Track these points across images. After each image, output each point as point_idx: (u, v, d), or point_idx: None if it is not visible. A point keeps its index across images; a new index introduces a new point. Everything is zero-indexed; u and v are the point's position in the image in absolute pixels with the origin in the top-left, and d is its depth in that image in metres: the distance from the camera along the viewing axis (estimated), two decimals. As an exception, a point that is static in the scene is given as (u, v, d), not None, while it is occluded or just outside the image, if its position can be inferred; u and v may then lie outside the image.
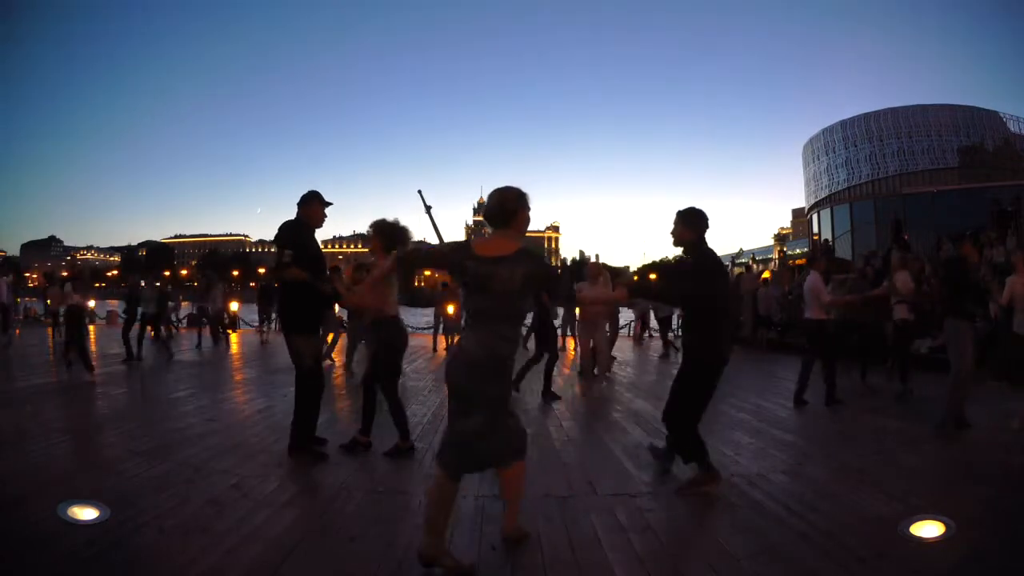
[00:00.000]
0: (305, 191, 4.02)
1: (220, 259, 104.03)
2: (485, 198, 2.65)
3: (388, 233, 3.90)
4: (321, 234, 4.26)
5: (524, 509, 2.96)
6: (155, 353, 9.46)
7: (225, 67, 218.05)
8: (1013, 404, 5.09)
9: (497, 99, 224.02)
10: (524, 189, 2.53)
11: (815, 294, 5.76)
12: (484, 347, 2.33)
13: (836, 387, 5.80)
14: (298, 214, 3.97)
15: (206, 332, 11.94)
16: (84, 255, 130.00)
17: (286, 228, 3.87)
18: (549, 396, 6.02)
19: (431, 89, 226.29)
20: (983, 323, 7.34)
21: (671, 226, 3.41)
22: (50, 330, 11.42)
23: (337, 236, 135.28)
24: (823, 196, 39.51)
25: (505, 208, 2.48)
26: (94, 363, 7.46)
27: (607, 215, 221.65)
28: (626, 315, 13.62)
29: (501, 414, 2.40)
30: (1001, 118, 38.31)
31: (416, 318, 17.79)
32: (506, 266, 2.35)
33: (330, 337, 8.85)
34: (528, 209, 2.53)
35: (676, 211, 3.41)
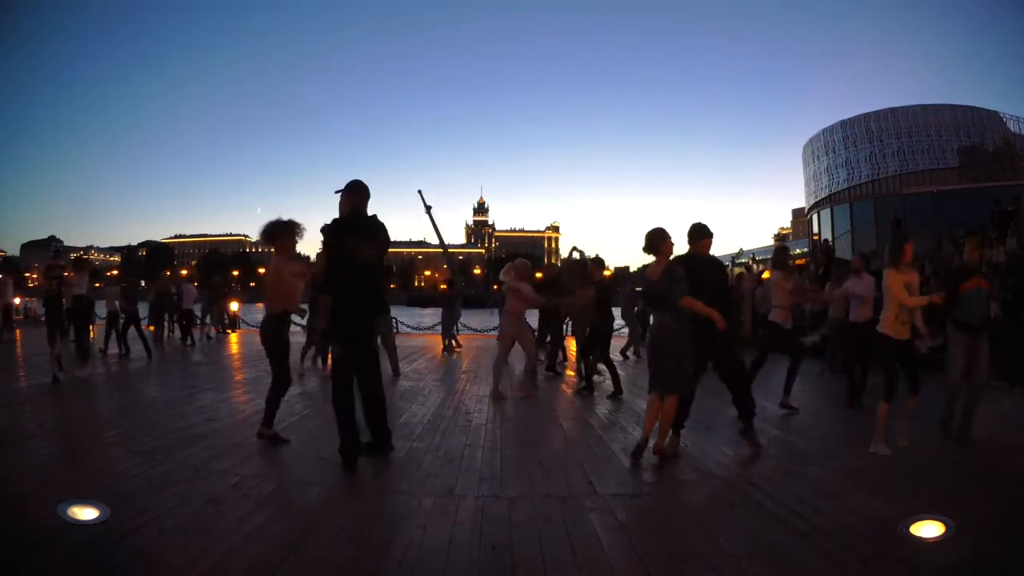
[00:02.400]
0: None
1: (220, 259, 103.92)
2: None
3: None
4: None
5: (527, 508, 2.98)
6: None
7: (225, 67, 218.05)
8: (1013, 404, 5.08)
9: (497, 99, 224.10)
10: (665, 227, 3.95)
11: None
12: (668, 324, 3.86)
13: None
14: (359, 205, 3.71)
15: (196, 331, 11.94)
16: (84, 255, 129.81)
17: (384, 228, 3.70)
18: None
19: (431, 89, 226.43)
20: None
21: (697, 237, 4.23)
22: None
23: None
24: (823, 196, 39.48)
25: (652, 242, 3.92)
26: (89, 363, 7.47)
27: (607, 215, 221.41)
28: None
29: (680, 362, 3.83)
30: (1001, 118, 38.20)
31: (417, 318, 17.81)
32: (660, 283, 3.85)
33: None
34: (669, 240, 3.93)
35: (697, 224, 4.26)
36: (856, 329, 5.76)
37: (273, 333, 4.17)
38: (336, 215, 3.80)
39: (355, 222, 3.68)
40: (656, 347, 3.94)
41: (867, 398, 5.76)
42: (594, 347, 6.69)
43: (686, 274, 3.89)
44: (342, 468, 3.60)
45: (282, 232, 4.11)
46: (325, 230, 3.69)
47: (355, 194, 3.74)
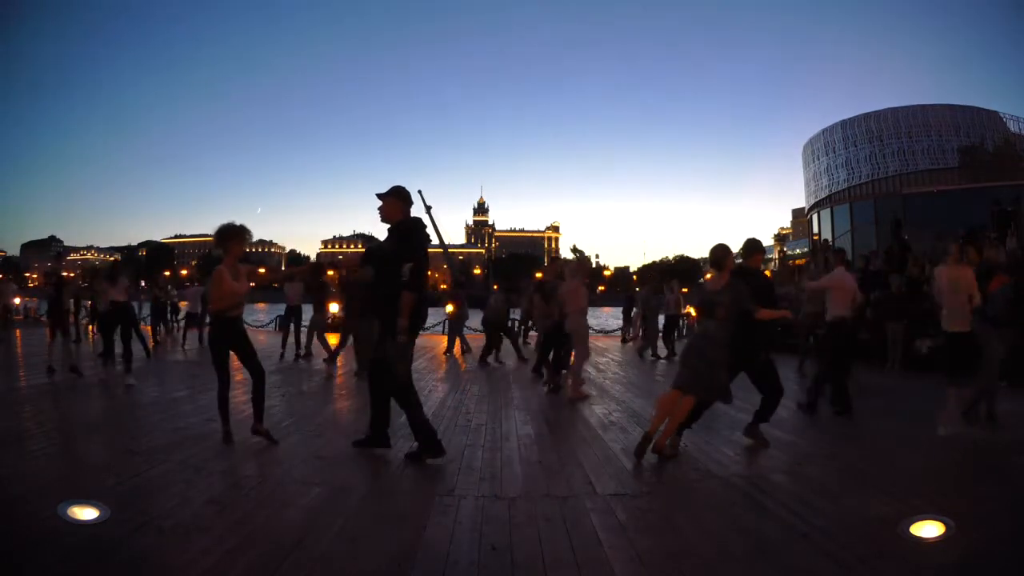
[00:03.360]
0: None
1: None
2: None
3: None
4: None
5: (527, 507, 2.98)
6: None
7: (225, 68, 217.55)
8: (1013, 404, 5.09)
9: (497, 99, 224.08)
10: (728, 244, 4.20)
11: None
12: (711, 331, 4.00)
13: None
14: (409, 211, 3.94)
15: (195, 331, 11.87)
16: (84, 255, 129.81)
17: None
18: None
19: (431, 88, 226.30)
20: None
21: (750, 252, 4.59)
22: (91, 328, 10.89)
23: (338, 236, 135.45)
24: (823, 196, 39.57)
25: (717, 258, 4.15)
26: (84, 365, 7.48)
27: (607, 216, 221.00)
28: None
29: (712, 368, 3.94)
30: (1001, 118, 38.26)
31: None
32: (720, 294, 4.01)
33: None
34: (732, 255, 4.18)
35: (751, 240, 4.63)
36: (833, 328, 5.53)
37: (212, 333, 4.28)
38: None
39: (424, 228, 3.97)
40: (695, 350, 4.10)
41: (869, 399, 5.75)
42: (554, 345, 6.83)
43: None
44: (432, 456, 3.73)
45: (232, 236, 4.18)
46: (414, 230, 3.86)
47: (408, 201, 3.94)
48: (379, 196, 3.89)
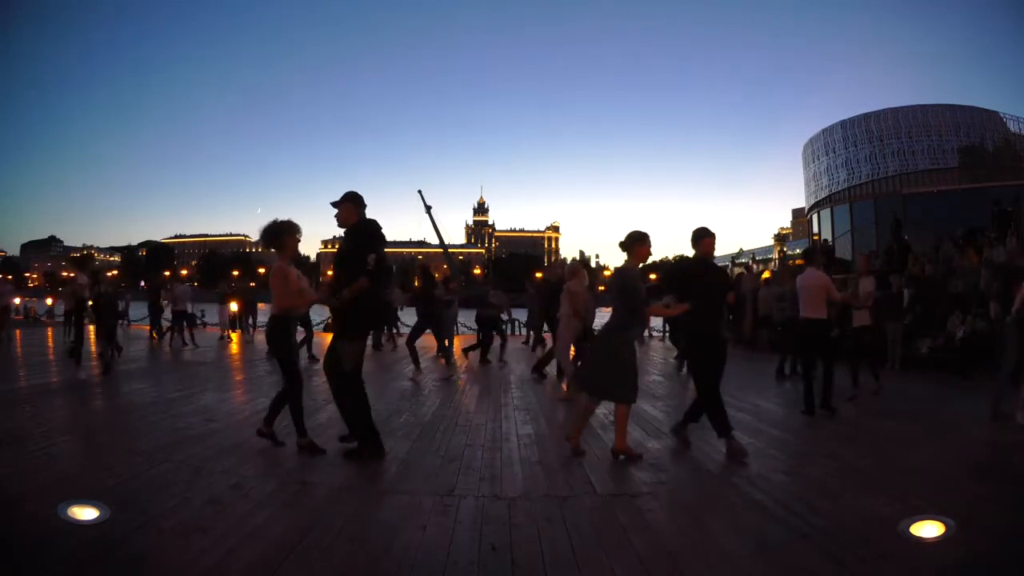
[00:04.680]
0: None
1: (220, 259, 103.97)
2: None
3: None
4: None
5: (527, 507, 2.98)
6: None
7: (224, 67, 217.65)
8: (1013, 404, 5.10)
9: (497, 99, 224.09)
10: (646, 231, 3.98)
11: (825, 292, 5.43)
12: (607, 324, 3.99)
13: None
14: (364, 214, 3.96)
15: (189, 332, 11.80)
16: (84, 255, 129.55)
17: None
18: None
19: (432, 88, 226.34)
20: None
21: (696, 238, 4.29)
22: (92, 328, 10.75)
23: (338, 236, 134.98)
24: (823, 196, 39.56)
25: (627, 242, 3.98)
26: (93, 362, 7.50)
27: (607, 216, 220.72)
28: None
29: (607, 367, 3.92)
30: (1001, 118, 38.26)
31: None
32: (610, 281, 3.99)
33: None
34: (644, 245, 3.96)
35: (696, 228, 4.32)
36: (799, 328, 5.50)
37: (280, 333, 4.17)
38: (334, 222, 3.98)
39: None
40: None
41: (841, 402, 5.68)
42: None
43: (681, 277, 4.13)
44: (362, 460, 3.75)
45: (283, 232, 4.13)
46: (370, 229, 3.89)
47: (361, 204, 3.97)
48: (334, 204, 3.97)
